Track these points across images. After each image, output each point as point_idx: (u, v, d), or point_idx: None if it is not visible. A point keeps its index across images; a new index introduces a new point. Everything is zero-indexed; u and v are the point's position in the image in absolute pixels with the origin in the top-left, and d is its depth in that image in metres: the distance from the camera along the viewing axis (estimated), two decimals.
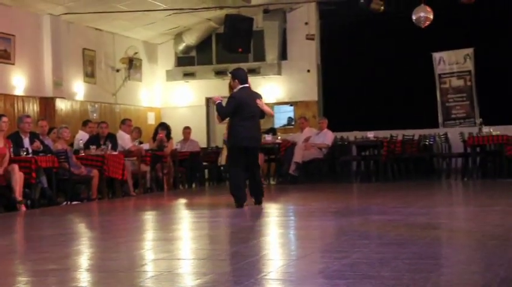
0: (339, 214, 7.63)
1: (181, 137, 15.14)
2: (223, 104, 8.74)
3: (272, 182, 15.02)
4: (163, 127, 14.10)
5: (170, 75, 18.55)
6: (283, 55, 17.98)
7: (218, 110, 8.72)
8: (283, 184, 14.21)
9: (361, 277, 3.72)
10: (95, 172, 11.37)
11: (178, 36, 18.21)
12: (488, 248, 4.69)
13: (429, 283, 3.55)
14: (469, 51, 17.16)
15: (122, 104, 17.01)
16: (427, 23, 13.61)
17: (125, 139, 12.60)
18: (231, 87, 8.89)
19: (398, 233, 5.61)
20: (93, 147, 11.75)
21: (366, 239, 5.44)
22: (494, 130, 13.31)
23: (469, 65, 17.17)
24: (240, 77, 8.79)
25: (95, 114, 15.73)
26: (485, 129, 13.37)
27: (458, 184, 12.67)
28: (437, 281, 3.67)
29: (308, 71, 17.50)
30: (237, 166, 8.60)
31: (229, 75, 9.02)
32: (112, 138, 12.21)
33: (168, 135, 14.02)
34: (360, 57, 17.15)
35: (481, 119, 14.45)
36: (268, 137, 14.74)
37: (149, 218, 8.43)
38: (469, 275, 3.89)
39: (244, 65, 17.93)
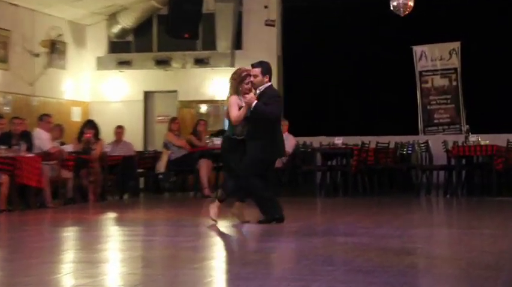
0: (300, 234, 7.63)
1: (112, 138, 15.00)
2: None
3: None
4: (91, 125, 13.94)
5: (101, 63, 18.37)
6: (237, 44, 17.99)
7: (262, 111, 8.36)
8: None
9: None
10: (3, 178, 11.18)
11: (112, 17, 18.06)
12: (473, 279, 4.72)
13: None
14: (455, 45, 17.43)
15: (41, 97, 16.77)
16: (408, 11, 13.78)
17: (43, 139, 12.41)
18: (234, 85, 8.57)
19: (368, 259, 5.62)
20: (3, 147, 11.54)
21: (330, 265, 5.43)
22: (483, 139, 13.53)
23: (455, 62, 17.44)
24: (270, 72, 8.69)
25: (6, 108, 15.46)
26: (473, 138, 13.57)
27: (439, 202, 12.83)
28: None
29: None
30: (255, 177, 8.52)
31: (252, 67, 8.63)
32: (27, 137, 12.01)
33: (97, 136, 13.86)
34: (329, 48, 17.26)
35: (467, 126, 14.68)
36: (216, 141, 14.72)
37: (70, 235, 8.30)
38: None
39: (190, 54, 17.92)
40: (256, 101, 8.35)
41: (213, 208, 8.56)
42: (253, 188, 8.49)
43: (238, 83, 8.59)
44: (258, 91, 8.53)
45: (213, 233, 8.08)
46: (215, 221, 8.47)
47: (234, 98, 8.49)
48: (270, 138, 8.48)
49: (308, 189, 14.46)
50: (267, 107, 8.40)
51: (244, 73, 8.59)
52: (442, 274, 5.11)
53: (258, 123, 8.43)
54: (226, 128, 17.33)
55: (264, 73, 8.55)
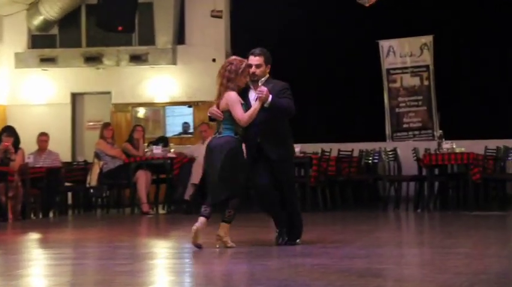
0: (252, 255, 7.67)
1: (35, 147, 14.90)
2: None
3: (161, 211, 14.98)
4: (9, 132, 13.83)
5: (21, 60, 18.24)
6: (179, 38, 18.04)
7: (281, 107, 8.07)
8: (177, 213, 14.18)
9: None
10: None
11: (33, 6, 17.95)
12: None
13: None
14: (427, 39, 17.72)
15: None
16: (373, 1, 13.96)
17: None
18: (232, 80, 8.04)
19: (328, 283, 5.69)
20: None
21: None
22: (458, 146, 13.73)
23: (427, 58, 17.72)
24: (271, 61, 8.36)
25: None
26: (446, 145, 13.76)
27: (409, 217, 12.99)
28: None
29: (213, 60, 17.62)
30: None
31: (253, 56, 8.18)
32: None
33: (16, 145, 13.75)
34: (283, 42, 17.37)
35: (441, 131, 14.89)
36: (156, 150, 14.72)
37: None
38: None
39: (125, 50, 17.89)
40: (270, 96, 8.00)
41: (225, 232, 8.04)
42: (296, 206, 8.48)
43: (238, 76, 8.10)
44: (259, 84, 8.17)
45: (150, 256, 8.08)
46: (233, 245, 8.05)
47: (235, 95, 8.06)
48: (290, 136, 8.41)
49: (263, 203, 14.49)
50: (284, 101, 8.14)
51: (244, 64, 8.15)
52: None
53: (274, 123, 8.13)
54: (167, 134, 17.45)
55: (266, 63, 8.26)
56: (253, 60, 8.23)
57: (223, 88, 8.11)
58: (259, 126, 8.06)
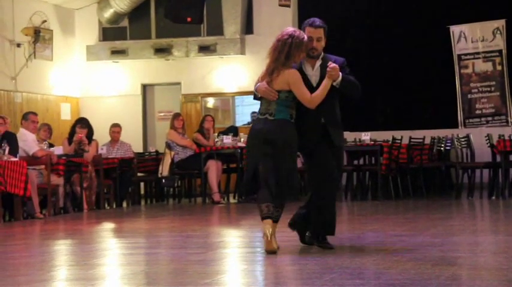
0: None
1: (107, 139, 15.09)
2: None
3: (232, 200, 15.05)
4: (83, 124, 14.03)
5: (92, 53, 18.48)
6: (247, 28, 18.05)
7: (353, 84, 7.17)
8: (249, 202, 14.22)
9: None
10: None
11: (103, 0, 18.15)
12: None
13: None
14: (500, 23, 17.42)
15: (25, 92, 16.88)
16: None
17: (28, 140, 12.51)
18: (293, 55, 6.99)
19: (402, 271, 5.66)
20: None
21: (359, 279, 5.47)
22: None
23: (500, 43, 17.43)
24: None
25: None
26: None
27: (483, 205, 12.83)
28: None
29: None
30: None
31: (314, 27, 7.13)
32: (10, 138, 12.09)
33: (90, 136, 13.95)
34: (352, 31, 17.28)
35: None
36: (226, 140, 14.78)
37: (61, 249, 8.36)
38: None
39: (194, 41, 17.99)
40: (340, 74, 7.05)
41: (269, 229, 6.81)
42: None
43: (298, 51, 7.04)
44: (320, 59, 7.19)
45: (221, 245, 8.12)
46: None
47: (298, 73, 7.03)
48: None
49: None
50: (352, 78, 7.18)
51: (305, 37, 7.06)
52: (487, 286, 5.13)
53: (335, 104, 7.20)
54: (237, 123, 17.48)
55: (325, 36, 7.27)
56: (314, 32, 7.16)
57: (278, 64, 7.03)
58: (322, 106, 7.05)
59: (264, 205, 6.85)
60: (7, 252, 8.07)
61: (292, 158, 7.00)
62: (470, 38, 17.53)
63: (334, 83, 7.07)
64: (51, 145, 13.48)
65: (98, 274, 6.24)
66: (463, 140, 14.62)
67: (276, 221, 6.86)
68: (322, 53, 7.26)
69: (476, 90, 17.57)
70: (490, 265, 6.09)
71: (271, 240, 6.78)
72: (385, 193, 13.94)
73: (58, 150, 13.32)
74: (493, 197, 13.48)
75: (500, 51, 17.39)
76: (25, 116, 12.94)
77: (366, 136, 14.23)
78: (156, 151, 16.10)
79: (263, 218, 6.84)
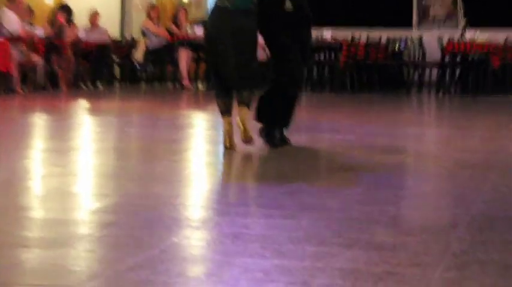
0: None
1: (86, 24, 14.81)
2: None
3: (201, 87, 14.98)
4: (64, 9, 13.74)
5: None
6: None
7: None
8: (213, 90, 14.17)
9: (301, 208, 3.76)
10: None
11: None
12: (460, 179, 4.80)
13: (385, 217, 3.62)
14: None
15: None
16: None
17: (11, 20, 12.22)
18: None
19: (351, 157, 5.68)
20: None
21: (310, 162, 5.49)
22: (481, 34, 13.44)
23: None
24: None
25: None
26: (469, 35, 13.50)
27: (431, 100, 12.89)
28: (395, 216, 3.75)
29: None
30: None
31: None
32: None
33: (70, 20, 13.69)
34: None
35: (465, 19, 14.52)
36: (198, 30, 14.58)
37: (39, 122, 8.30)
38: (434, 211, 3.98)
39: None
40: None
41: (226, 127, 5.89)
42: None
43: None
44: None
45: (189, 125, 8.11)
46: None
47: None
48: None
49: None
50: None
51: None
52: (428, 173, 5.18)
53: None
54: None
55: None
56: None
57: None
58: None
59: (220, 101, 6.02)
60: None
61: (252, 47, 6.12)
62: None
63: None
64: (31, 25, 13.20)
65: (72, 147, 6.21)
66: (416, 41, 14.59)
67: (247, 106, 5.90)
68: None
69: None
70: (433, 154, 6.14)
71: (229, 137, 5.85)
72: (342, 86, 13.93)
73: (39, 31, 13.07)
74: (440, 94, 13.53)
75: None
76: (12, 0, 12.59)
77: (327, 33, 14.11)
78: (132, 38, 15.86)
79: (221, 115, 5.99)
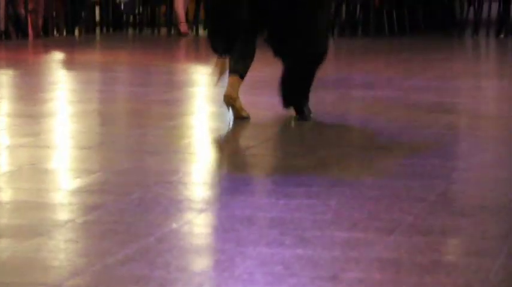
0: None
1: None
2: None
3: (203, 32, 14.95)
4: None
5: None
6: None
7: None
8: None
9: (328, 185, 3.79)
10: None
11: None
12: None
13: (432, 194, 3.65)
14: None
15: None
16: None
17: None
18: None
19: (393, 118, 5.70)
20: None
21: (342, 127, 5.51)
22: None
23: None
24: None
25: None
26: None
27: (490, 44, 12.83)
28: (444, 192, 3.78)
29: None
30: None
31: None
32: None
33: None
34: None
35: None
36: None
37: (2, 81, 8.34)
38: (493, 186, 4.00)
39: None
40: None
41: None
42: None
43: None
44: None
45: (184, 83, 8.13)
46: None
47: None
48: None
49: None
50: None
51: None
52: (487, 137, 5.20)
53: None
54: None
55: None
56: None
57: None
58: None
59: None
60: None
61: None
62: None
63: None
64: None
65: (45, 111, 6.24)
66: None
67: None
68: None
69: None
70: (492, 114, 6.15)
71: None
72: (378, 29, 13.88)
73: None
74: (501, 36, 13.44)
75: None
76: None
77: None
78: None
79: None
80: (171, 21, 14.47)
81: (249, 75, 5.73)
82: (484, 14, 14.21)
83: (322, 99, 6.23)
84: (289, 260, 2.74)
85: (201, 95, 7.29)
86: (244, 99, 5.65)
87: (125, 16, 15.28)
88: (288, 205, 3.46)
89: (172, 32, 14.23)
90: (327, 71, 8.42)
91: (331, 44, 11.93)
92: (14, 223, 3.25)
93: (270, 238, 3.02)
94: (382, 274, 2.63)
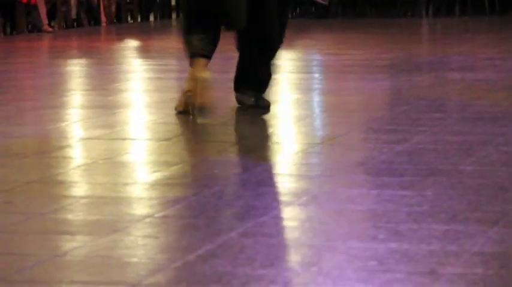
0: (396, 69, 7.63)
1: None
2: None
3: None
4: None
5: None
6: None
7: None
8: (307, 18, 14.16)
9: (425, 174, 3.77)
10: None
11: None
12: None
13: None
14: None
15: None
16: None
17: None
18: None
19: (493, 103, 5.64)
20: None
21: (438, 112, 5.47)
22: None
23: None
24: None
25: None
26: None
27: None
28: None
29: None
30: None
31: None
32: None
33: None
34: None
35: None
36: None
37: (75, 70, 8.44)
38: None
39: None
40: None
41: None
42: None
43: None
44: None
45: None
46: None
47: None
48: None
49: (409, 6, 14.34)
50: None
51: None
52: None
53: None
54: None
55: None
56: None
57: None
58: None
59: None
60: (9, 71, 8.16)
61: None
62: None
63: None
64: None
65: (120, 101, 6.30)
66: None
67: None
68: None
69: None
70: None
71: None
72: (476, 7, 13.74)
73: None
74: None
75: None
76: None
77: None
78: None
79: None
80: None
81: None
82: None
83: (417, 83, 6.20)
84: (383, 255, 2.73)
85: (284, 83, 7.29)
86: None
87: None
88: (380, 196, 3.45)
89: None
90: (420, 53, 8.39)
91: (425, 22, 11.85)
92: (90, 219, 3.28)
93: (361, 231, 3.01)
94: (484, 269, 2.60)
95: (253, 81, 5.87)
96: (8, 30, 12.04)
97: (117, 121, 5.49)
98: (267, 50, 5.93)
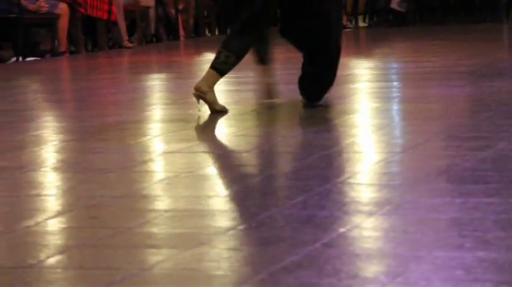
0: (476, 75, 7.57)
1: None
2: None
3: (363, 24, 14.93)
4: None
5: None
6: None
7: None
8: (382, 26, 14.11)
9: (511, 181, 3.73)
10: (62, 8, 11.40)
11: None
12: None
13: None
14: None
15: None
16: None
17: None
18: None
19: None
20: None
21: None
22: None
23: None
24: None
25: None
26: None
27: None
28: None
29: None
30: None
31: None
32: None
33: None
34: None
35: None
36: None
37: (155, 85, 8.51)
38: None
39: None
40: None
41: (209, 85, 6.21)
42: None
43: None
44: None
45: (350, 79, 8.12)
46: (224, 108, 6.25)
47: None
48: None
49: (489, 11, 14.22)
50: None
51: None
52: None
53: None
54: None
55: None
56: None
57: None
58: None
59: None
60: (91, 88, 8.26)
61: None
62: None
63: None
64: None
65: (202, 115, 6.32)
66: None
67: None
68: None
69: None
70: None
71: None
72: None
73: None
74: None
75: None
76: None
77: None
78: None
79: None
80: None
81: None
82: None
83: (498, 89, 6.14)
84: (470, 264, 2.70)
85: (363, 92, 7.28)
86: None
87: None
88: (465, 204, 3.41)
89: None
90: (502, 59, 8.30)
91: (508, 28, 11.73)
92: (174, 232, 3.31)
93: (446, 240, 2.98)
94: None
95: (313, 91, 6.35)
96: (90, 47, 12.18)
97: (198, 134, 5.53)
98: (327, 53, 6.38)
